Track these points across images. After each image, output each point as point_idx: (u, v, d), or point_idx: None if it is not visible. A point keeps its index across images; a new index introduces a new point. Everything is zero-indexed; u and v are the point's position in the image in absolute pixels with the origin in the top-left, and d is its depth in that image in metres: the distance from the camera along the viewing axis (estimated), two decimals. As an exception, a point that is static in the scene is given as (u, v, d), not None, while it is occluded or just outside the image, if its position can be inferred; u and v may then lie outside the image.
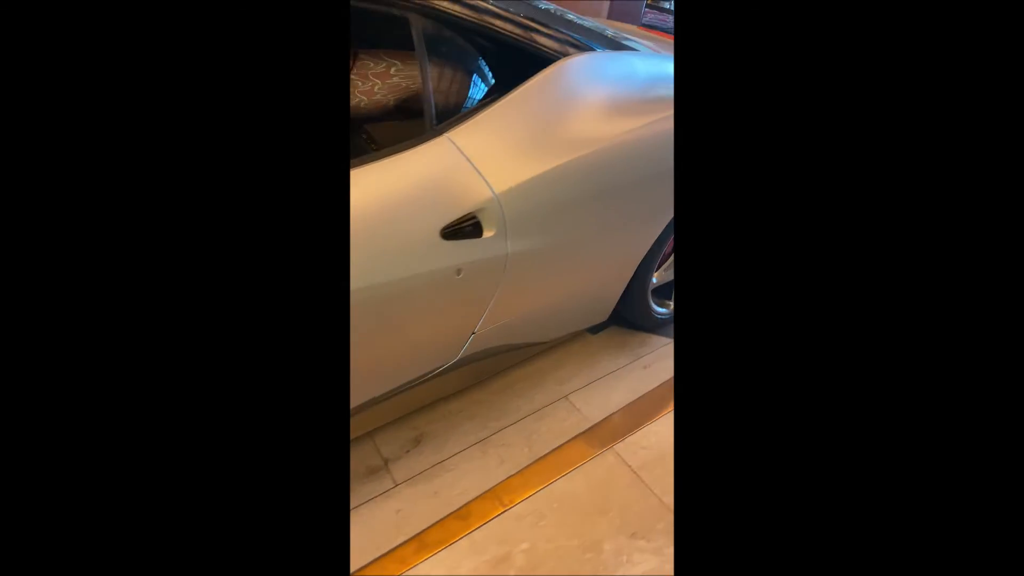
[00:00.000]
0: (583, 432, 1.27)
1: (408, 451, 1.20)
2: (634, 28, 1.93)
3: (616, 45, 1.37)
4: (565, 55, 1.09)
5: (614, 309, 1.44)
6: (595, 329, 1.59)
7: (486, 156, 0.94)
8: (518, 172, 0.96)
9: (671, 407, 1.36)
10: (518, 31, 1.05)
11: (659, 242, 1.31)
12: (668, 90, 1.26)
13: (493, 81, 1.06)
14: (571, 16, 1.41)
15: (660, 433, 1.28)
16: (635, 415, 1.33)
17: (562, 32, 1.11)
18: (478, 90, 1.03)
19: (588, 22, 1.56)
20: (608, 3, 4.27)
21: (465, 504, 1.10)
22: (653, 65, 1.34)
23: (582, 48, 1.12)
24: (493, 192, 0.93)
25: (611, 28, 1.63)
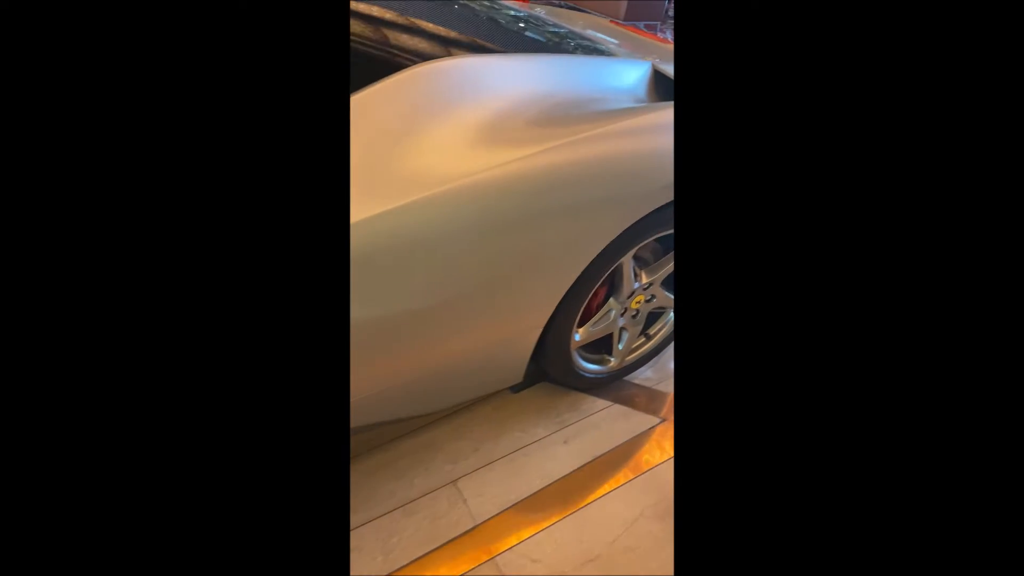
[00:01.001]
0: (461, 535, 1.01)
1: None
2: (606, 22, 1.63)
3: (530, 45, 1.10)
4: (433, 58, 0.83)
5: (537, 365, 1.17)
6: (518, 386, 1.32)
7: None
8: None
9: (585, 500, 1.08)
10: (365, 32, 0.80)
11: (573, 295, 1.03)
12: (596, 103, 0.99)
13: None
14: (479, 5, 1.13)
15: (560, 539, 1.02)
16: (535, 511, 1.06)
17: (444, 29, 0.85)
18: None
19: (522, 13, 1.29)
20: (625, 4, 4.06)
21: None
22: (581, 72, 1.07)
23: (474, 50, 0.86)
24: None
25: (571, 24, 1.35)
